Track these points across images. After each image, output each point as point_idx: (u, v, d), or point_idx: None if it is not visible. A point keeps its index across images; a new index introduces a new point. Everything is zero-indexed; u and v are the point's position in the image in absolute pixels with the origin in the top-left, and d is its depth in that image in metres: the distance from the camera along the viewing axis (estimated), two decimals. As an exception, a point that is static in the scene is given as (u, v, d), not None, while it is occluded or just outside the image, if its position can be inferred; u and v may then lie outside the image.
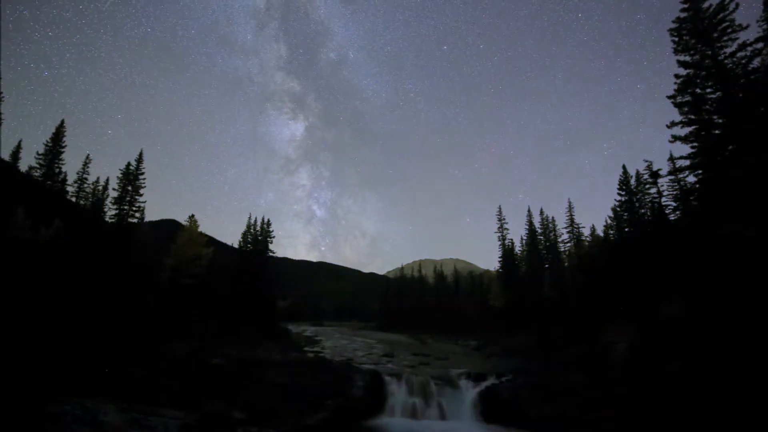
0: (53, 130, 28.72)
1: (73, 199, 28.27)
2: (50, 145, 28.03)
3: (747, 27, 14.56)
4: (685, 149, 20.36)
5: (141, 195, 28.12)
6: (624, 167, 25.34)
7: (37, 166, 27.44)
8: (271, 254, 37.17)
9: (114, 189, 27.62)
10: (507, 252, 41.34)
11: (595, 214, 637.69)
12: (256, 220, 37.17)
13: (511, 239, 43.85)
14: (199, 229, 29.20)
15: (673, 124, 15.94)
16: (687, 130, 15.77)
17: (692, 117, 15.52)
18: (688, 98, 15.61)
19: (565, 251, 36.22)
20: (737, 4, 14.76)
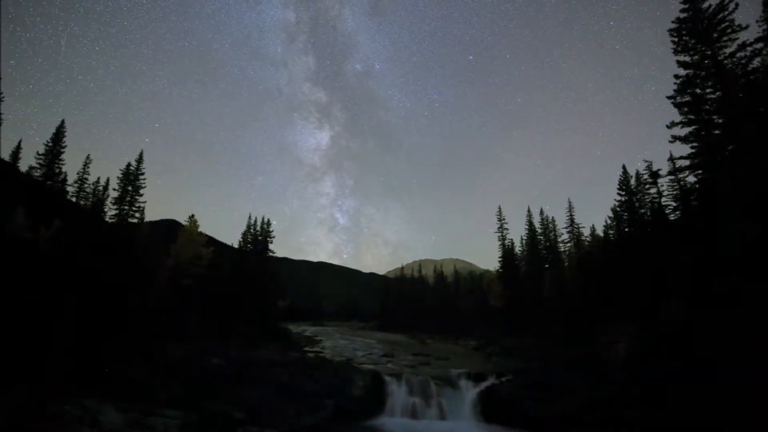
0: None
1: (74, 199, 28.28)
2: (50, 145, 28.03)
3: (747, 27, 14.56)
4: (685, 149, 20.34)
5: (141, 195, 28.17)
6: (624, 167, 25.32)
7: (37, 166, 27.46)
8: (271, 254, 37.14)
9: (114, 189, 27.67)
10: (507, 252, 41.33)
11: (596, 214, 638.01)
12: (256, 220, 37.14)
13: (511, 239, 43.88)
14: (200, 229, 29.21)
15: (673, 125, 15.95)
16: (687, 130, 15.80)
17: (692, 117, 15.54)
18: (688, 98, 15.63)
19: (565, 251, 36.20)
20: (737, 4, 14.77)
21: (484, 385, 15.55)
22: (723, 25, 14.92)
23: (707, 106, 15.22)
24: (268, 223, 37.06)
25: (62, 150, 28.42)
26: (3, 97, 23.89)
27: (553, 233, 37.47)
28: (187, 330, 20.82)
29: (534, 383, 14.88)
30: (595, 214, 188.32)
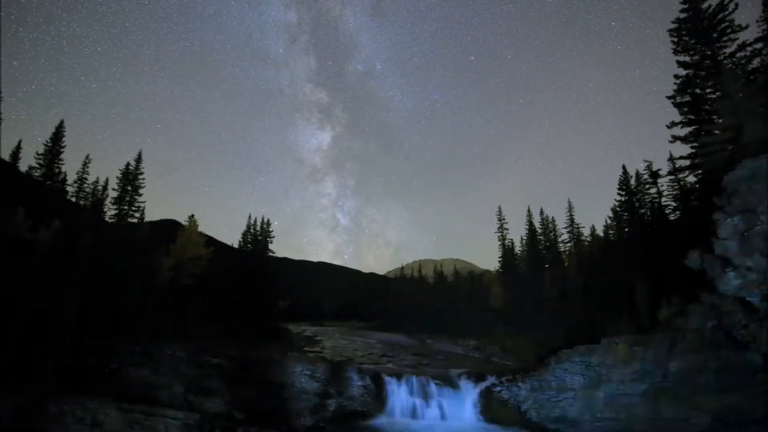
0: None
1: (73, 199, 28.27)
2: (50, 145, 28.01)
3: (747, 27, 14.57)
4: (685, 149, 20.36)
5: (140, 195, 28.20)
6: (624, 167, 25.30)
7: (37, 166, 27.45)
8: (270, 254, 37.12)
9: (114, 189, 27.68)
10: (507, 252, 41.36)
11: (596, 214, 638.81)
12: (255, 220, 37.11)
13: (511, 239, 43.89)
14: (200, 229, 29.20)
15: (673, 125, 15.96)
16: (687, 130, 15.81)
17: (692, 117, 15.55)
18: (688, 98, 15.65)
19: (565, 251, 36.21)
20: (737, 4, 14.77)
21: (484, 385, 15.54)
22: (723, 25, 14.93)
23: (707, 106, 15.23)
24: (268, 223, 37.02)
25: (62, 150, 28.38)
26: (2, 96, 23.86)
27: (553, 233, 37.46)
28: (187, 330, 20.80)
29: (534, 383, 14.86)
30: (595, 214, 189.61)
